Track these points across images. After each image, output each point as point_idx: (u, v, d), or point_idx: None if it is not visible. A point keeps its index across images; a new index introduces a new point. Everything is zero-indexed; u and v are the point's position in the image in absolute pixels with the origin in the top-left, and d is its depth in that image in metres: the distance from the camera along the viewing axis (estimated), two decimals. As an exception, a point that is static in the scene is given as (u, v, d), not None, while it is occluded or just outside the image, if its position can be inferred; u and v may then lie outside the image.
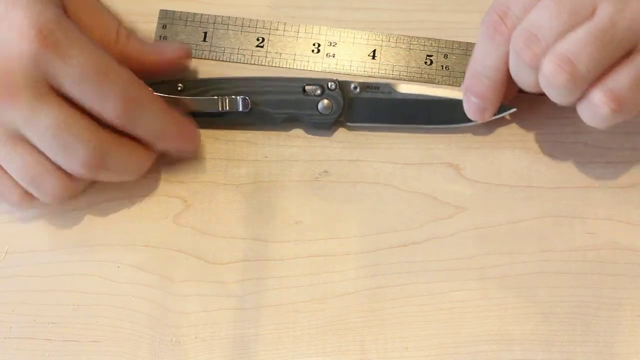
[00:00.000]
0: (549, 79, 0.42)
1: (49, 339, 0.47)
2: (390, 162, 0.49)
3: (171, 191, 0.49)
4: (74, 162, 0.43)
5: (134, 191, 0.49)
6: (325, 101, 0.49)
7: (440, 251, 0.48)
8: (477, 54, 0.46)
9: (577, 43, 0.41)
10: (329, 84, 0.49)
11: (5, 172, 0.44)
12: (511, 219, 0.48)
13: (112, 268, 0.48)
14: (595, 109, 0.42)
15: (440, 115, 0.49)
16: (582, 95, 0.43)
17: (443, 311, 0.47)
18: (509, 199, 0.49)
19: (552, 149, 0.49)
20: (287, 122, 0.50)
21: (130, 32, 0.46)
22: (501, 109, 0.48)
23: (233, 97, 0.48)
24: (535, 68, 0.42)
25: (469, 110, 0.48)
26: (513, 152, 0.49)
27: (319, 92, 0.48)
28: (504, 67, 0.45)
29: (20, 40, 0.40)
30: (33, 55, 0.40)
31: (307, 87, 0.49)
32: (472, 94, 0.47)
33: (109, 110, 0.43)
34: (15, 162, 0.43)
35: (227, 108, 0.48)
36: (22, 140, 0.43)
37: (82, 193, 0.49)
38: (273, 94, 0.49)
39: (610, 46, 0.41)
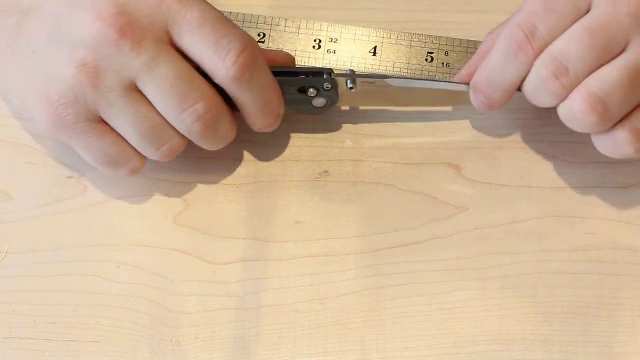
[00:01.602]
0: (578, 117, 0.41)
1: (49, 339, 0.47)
2: (390, 162, 0.49)
3: (171, 191, 0.49)
4: (193, 115, 0.42)
5: (134, 191, 0.49)
6: (321, 99, 0.48)
7: (440, 251, 0.48)
8: (493, 64, 0.44)
9: (610, 83, 0.40)
10: (325, 84, 0.47)
11: (124, 140, 0.44)
12: (511, 219, 0.48)
13: (112, 268, 0.48)
14: (618, 146, 0.42)
15: (439, 100, 0.49)
16: (607, 130, 0.42)
17: (443, 311, 0.47)
18: (509, 199, 0.49)
19: (552, 149, 0.49)
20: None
21: None
22: None
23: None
24: (558, 97, 0.42)
25: (476, 103, 0.47)
26: (513, 152, 0.49)
27: (314, 94, 0.47)
28: (520, 82, 0.44)
29: None
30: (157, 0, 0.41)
31: (300, 89, 0.47)
32: (482, 95, 0.46)
33: (227, 64, 0.42)
34: (132, 114, 0.42)
35: None
36: (137, 91, 0.42)
37: (82, 193, 0.49)
38: None
39: None
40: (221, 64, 0.42)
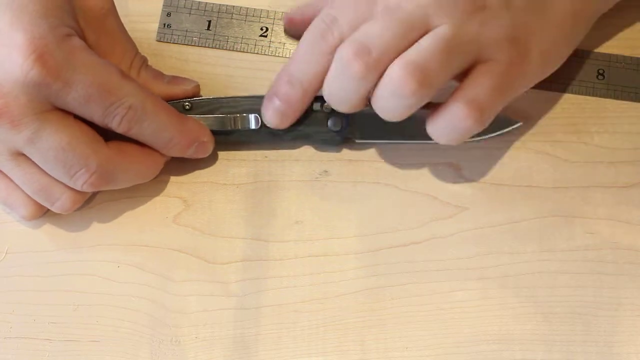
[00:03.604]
0: (397, 85, 0.40)
1: (49, 339, 0.47)
2: (390, 162, 0.49)
3: (171, 191, 0.49)
4: (78, 181, 0.43)
5: (134, 191, 0.48)
6: (335, 117, 0.48)
7: (440, 251, 0.48)
8: (297, 60, 0.45)
9: (426, 50, 0.40)
10: None
11: (17, 186, 0.45)
12: (511, 218, 0.48)
13: (112, 268, 0.48)
14: (458, 122, 0.41)
15: None
16: (438, 113, 0.42)
17: (443, 311, 0.47)
18: (509, 199, 0.49)
19: (552, 149, 0.49)
20: (296, 139, 0.49)
21: (144, 65, 0.47)
22: (506, 123, 0.48)
23: (244, 114, 0.47)
24: (362, 80, 0.41)
25: (268, 115, 0.46)
26: (513, 152, 0.49)
27: (328, 109, 0.47)
28: (322, 79, 0.43)
29: (22, 64, 0.40)
30: (34, 80, 0.40)
31: (315, 104, 0.47)
32: (279, 98, 0.45)
33: (114, 125, 0.43)
34: (21, 177, 0.44)
35: (239, 126, 0.47)
36: (26, 156, 0.43)
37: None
38: None
39: (458, 55, 0.41)
40: (111, 125, 0.43)
